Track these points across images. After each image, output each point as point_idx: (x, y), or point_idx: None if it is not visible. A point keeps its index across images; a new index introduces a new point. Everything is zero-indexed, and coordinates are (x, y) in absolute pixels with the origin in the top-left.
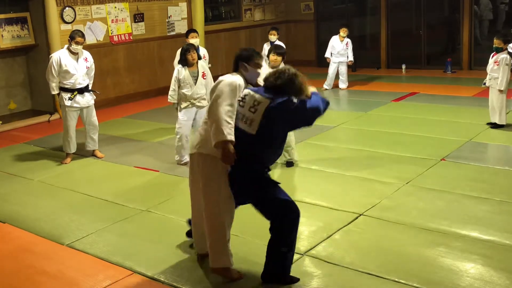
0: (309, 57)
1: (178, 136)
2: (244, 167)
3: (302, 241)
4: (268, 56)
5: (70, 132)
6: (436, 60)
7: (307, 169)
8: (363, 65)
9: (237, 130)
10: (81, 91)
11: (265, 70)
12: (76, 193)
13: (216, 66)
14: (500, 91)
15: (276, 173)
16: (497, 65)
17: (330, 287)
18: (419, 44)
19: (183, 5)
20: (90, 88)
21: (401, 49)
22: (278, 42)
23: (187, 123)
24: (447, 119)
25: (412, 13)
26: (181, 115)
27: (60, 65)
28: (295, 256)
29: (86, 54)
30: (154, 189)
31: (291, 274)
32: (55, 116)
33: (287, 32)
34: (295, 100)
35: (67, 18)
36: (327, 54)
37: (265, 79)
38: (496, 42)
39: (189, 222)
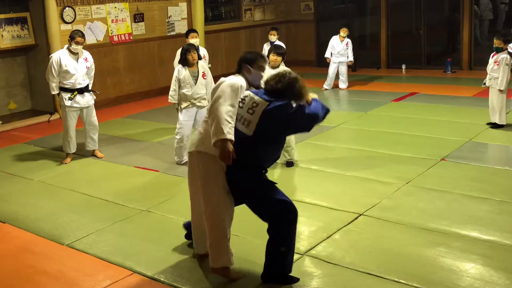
0: (309, 57)
1: (178, 137)
2: (241, 168)
3: (302, 241)
4: (268, 56)
5: (70, 132)
6: (436, 60)
7: (307, 169)
8: (363, 65)
9: (235, 130)
10: (81, 91)
11: (267, 73)
12: (76, 193)
13: (216, 66)
14: (500, 91)
15: (276, 173)
16: (497, 65)
17: (330, 287)
18: (419, 44)
19: (183, 5)
20: (90, 88)
21: (401, 49)
22: (278, 42)
23: (188, 123)
24: (447, 119)
25: (412, 13)
26: (181, 115)
27: (60, 65)
28: (295, 256)
29: (86, 54)
30: (154, 189)
31: (291, 274)
32: (55, 116)
33: (287, 32)
34: (294, 105)
35: (67, 18)
36: (327, 54)
37: (266, 82)
38: (496, 42)
39: (185, 226)
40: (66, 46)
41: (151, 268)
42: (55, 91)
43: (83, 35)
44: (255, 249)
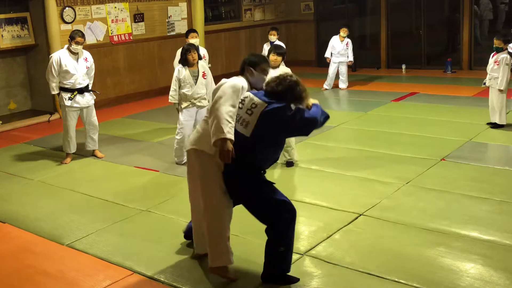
0: (309, 57)
1: (179, 137)
2: (239, 168)
3: (302, 241)
4: (268, 56)
5: (70, 132)
6: (436, 60)
7: (307, 169)
8: (363, 65)
9: (234, 131)
10: (81, 91)
11: (269, 75)
12: (76, 193)
13: (216, 66)
14: (500, 91)
15: (276, 173)
16: (497, 65)
17: (330, 287)
18: (419, 44)
19: (183, 5)
20: (90, 88)
21: (401, 49)
22: (278, 42)
23: (189, 123)
24: (447, 119)
25: (412, 13)
26: (182, 115)
27: (60, 65)
28: (295, 256)
29: (86, 54)
30: (154, 189)
31: (291, 274)
32: (55, 116)
33: (287, 32)
34: (292, 108)
35: (67, 18)
36: (327, 54)
37: (267, 84)
38: (496, 42)
39: (184, 231)
40: (66, 46)
41: (151, 268)
42: (55, 91)
43: (83, 35)
44: (255, 249)
